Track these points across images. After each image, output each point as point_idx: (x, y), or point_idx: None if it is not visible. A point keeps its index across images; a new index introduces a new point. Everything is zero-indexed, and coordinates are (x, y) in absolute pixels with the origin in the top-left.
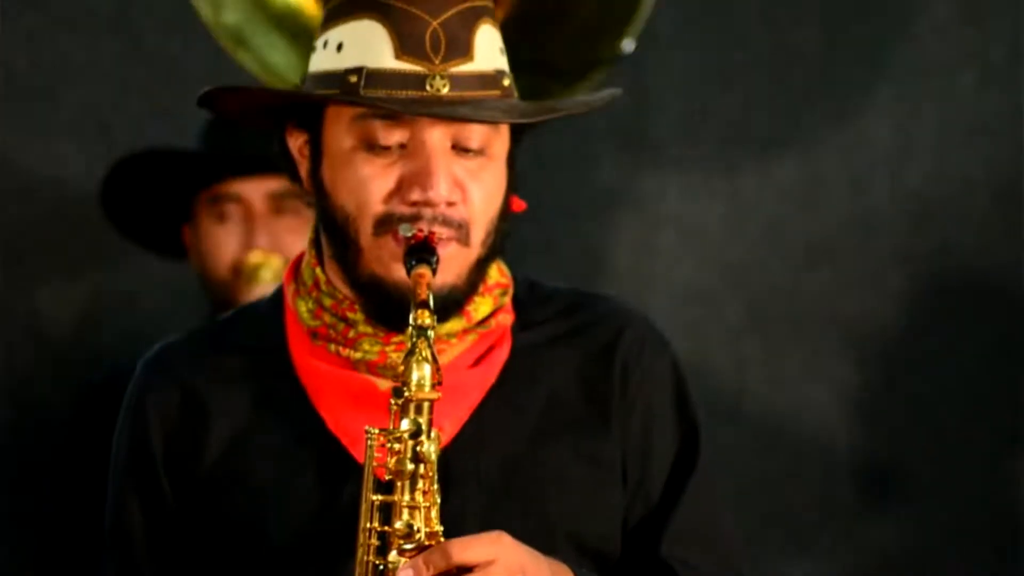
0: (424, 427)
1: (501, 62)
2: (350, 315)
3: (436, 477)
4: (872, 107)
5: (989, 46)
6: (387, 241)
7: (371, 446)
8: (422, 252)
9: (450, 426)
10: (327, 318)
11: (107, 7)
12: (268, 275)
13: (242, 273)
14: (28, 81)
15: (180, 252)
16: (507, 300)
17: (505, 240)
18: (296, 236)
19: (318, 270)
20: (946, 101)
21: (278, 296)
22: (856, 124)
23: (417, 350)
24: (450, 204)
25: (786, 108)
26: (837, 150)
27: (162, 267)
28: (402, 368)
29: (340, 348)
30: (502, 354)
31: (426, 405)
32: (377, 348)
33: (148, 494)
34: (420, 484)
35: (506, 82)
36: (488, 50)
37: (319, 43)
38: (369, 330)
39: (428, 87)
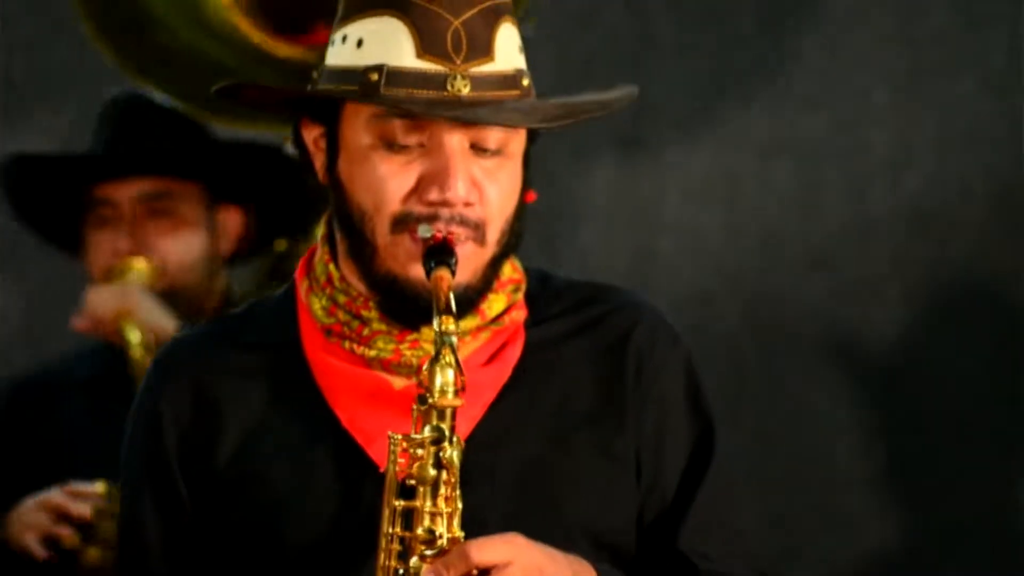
0: (447, 433)
1: (520, 61)
2: (364, 313)
3: (458, 483)
4: (870, 114)
5: (988, 53)
6: (404, 240)
7: (394, 451)
8: (441, 254)
9: (465, 424)
10: (341, 315)
11: None
12: (132, 276)
13: (111, 277)
14: (28, 86)
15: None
16: (520, 296)
17: (519, 238)
18: (168, 239)
19: (331, 266)
20: (945, 108)
21: (290, 291)
22: (855, 130)
23: (441, 356)
24: (467, 204)
25: (785, 114)
26: (836, 157)
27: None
28: (426, 374)
29: (355, 346)
30: (515, 350)
31: (449, 411)
32: (392, 346)
33: (163, 494)
34: (442, 490)
35: (525, 82)
36: (508, 49)
37: (336, 37)
38: (383, 328)
39: (449, 87)
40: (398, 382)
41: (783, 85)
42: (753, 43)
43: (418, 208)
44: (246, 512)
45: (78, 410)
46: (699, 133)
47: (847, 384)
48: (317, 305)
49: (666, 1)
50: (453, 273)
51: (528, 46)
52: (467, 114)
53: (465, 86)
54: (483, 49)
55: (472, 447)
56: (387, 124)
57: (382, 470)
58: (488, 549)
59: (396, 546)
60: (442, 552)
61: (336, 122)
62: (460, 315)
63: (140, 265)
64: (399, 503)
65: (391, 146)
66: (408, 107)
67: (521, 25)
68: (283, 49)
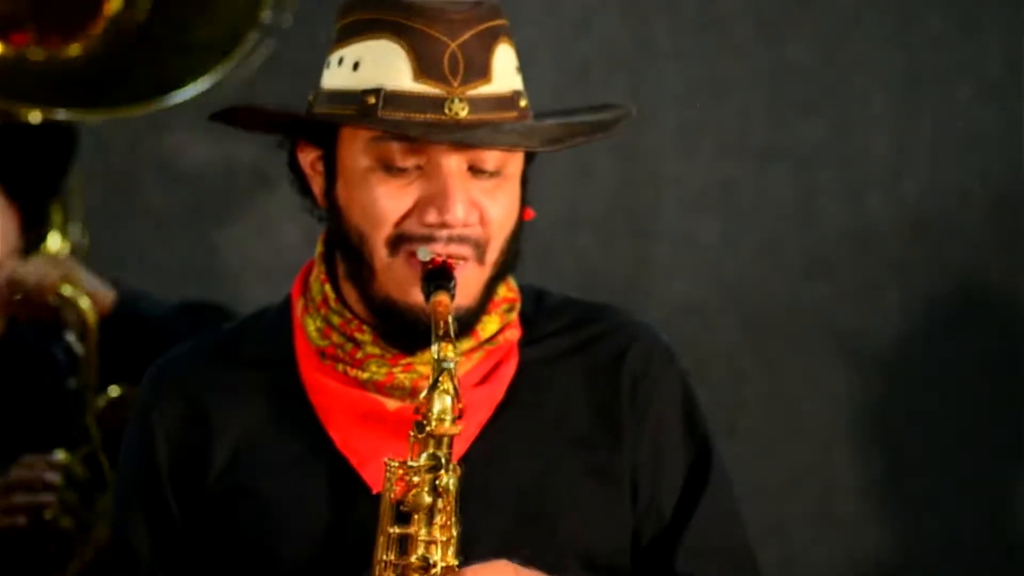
0: (444, 461)
1: (517, 82)
2: (358, 336)
3: (454, 511)
4: (868, 120)
5: (984, 59)
6: (402, 263)
7: (390, 478)
8: (440, 278)
9: (459, 444)
10: (335, 338)
11: None
12: None
13: None
14: None
15: None
16: (514, 316)
17: (516, 258)
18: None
19: (327, 287)
20: (942, 113)
21: (285, 308)
22: (852, 137)
23: (440, 383)
24: (466, 225)
25: (782, 121)
26: (833, 163)
27: None
28: (424, 401)
29: (348, 368)
30: (509, 370)
31: (446, 439)
32: (384, 370)
33: (154, 509)
34: (438, 518)
35: (523, 103)
36: (505, 71)
37: (333, 59)
38: (377, 351)
39: (447, 110)
40: (391, 404)
41: (780, 91)
42: (749, 50)
43: (415, 229)
44: (237, 528)
45: None
46: (696, 140)
47: (845, 391)
48: (312, 326)
49: (663, 7)
50: (452, 297)
51: (527, 52)
52: (465, 137)
53: (463, 108)
54: (480, 71)
55: (466, 467)
56: (385, 147)
57: (375, 492)
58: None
59: (390, 573)
60: None
61: (334, 145)
62: (457, 337)
63: None
64: (394, 529)
65: (389, 169)
66: (406, 131)
67: (264, 13)
68: None
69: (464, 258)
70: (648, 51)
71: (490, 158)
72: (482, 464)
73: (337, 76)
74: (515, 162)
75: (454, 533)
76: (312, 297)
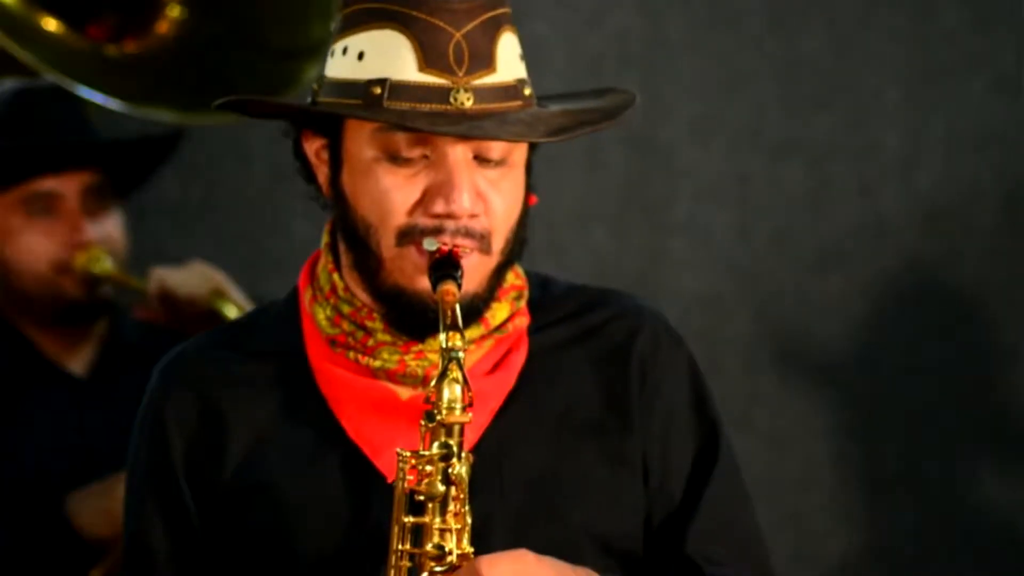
0: (455, 449)
1: (521, 70)
2: (369, 323)
3: (467, 499)
4: (881, 114)
5: (997, 53)
6: (410, 252)
7: (403, 468)
8: (447, 267)
9: (471, 433)
10: (346, 326)
11: None
12: (107, 265)
13: (70, 270)
14: None
15: None
16: (523, 303)
17: (523, 245)
18: (112, 229)
19: (335, 276)
20: (954, 108)
21: (293, 299)
22: (865, 130)
23: (448, 372)
24: (472, 216)
25: (796, 114)
26: (846, 156)
27: None
28: (433, 390)
29: (359, 356)
30: (519, 357)
31: (456, 428)
32: (396, 357)
33: (169, 505)
34: (451, 506)
35: (527, 91)
36: (510, 59)
37: (336, 48)
38: (388, 339)
39: (452, 100)
40: (404, 392)
41: (793, 85)
42: (763, 43)
43: (423, 220)
44: (253, 522)
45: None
46: (710, 133)
47: (859, 384)
48: (321, 315)
49: (676, 1)
50: (459, 286)
51: (539, 46)
52: (471, 130)
53: (468, 99)
54: (485, 61)
55: (479, 456)
56: (390, 137)
57: (389, 481)
58: (498, 565)
59: (406, 562)
60: (452, 568)
61: (339, 135)
62: (465, 325)
63: (106, 256)
64: (408, 519)
65: (395, 159)
66: (412, 122)
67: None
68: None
69: (470, 250)
70: (661, 45)
71: (495, 148)
72: (494, 452)
73: (341, 66)
74: (520, 151)
75: (468, 521)
76: (320, 287)
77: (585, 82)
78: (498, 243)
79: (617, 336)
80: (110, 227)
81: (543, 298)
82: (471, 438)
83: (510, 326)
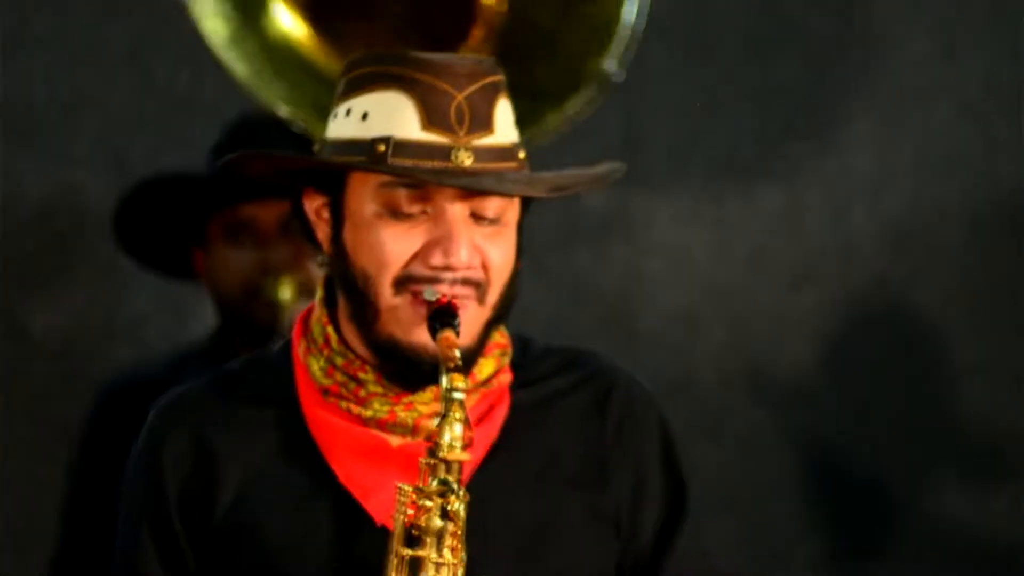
0: (454, 486)
1: (515, 135)
2: (361, 375)
3: (463, 535)
4: (852, 139)
5: (964, 81)
6: (406, 303)
7: (403, 502)
8: (446, 316)
9: (463, 495)
10: (339, 376)
11: (120, 43)
12: (288, 294)
13: (259, 295)
14: (46, 114)
15: (189, 274)
16: (507, 361)
17: (512, 304)
18: (307, 256)
19: (329, 328)
20: (923, 134)
21: (286, 349)
22: (837, 155)
23: (451, 412)
24: (469, 267)
25: (770, 139)
26: (819, 179)
27: (171, 289)
28: (435, 429)
29: (351, 406)
30: (502, 411)
31: (455, 465)
32: (387, 407)
33: (163, 540)
34: (448, 541)
35: (521, 154)
36: (506, 124)
37: (340, 111)
38: (379, 390)
39: (453, 158)
40: (394, 440)
41: (767, 111)
42: (738, 72)
43: (421, 271)
44: (244, 562)
45: None
46: (687, 157)
47: (830, 399)
48: (315, 366)
49: (656, 31)
50: (457, 335)
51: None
52: (474, 183)
53: (468, 157)
54: (484, 123)
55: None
56: (392, 193)
57: (378, 524)
58: None
59: None
60: None
61: (341, 192)
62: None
63: (291, 282)
64: (406, 552)
65: (396, 214)
66: (419, 175)
67: (606, 63)
68: None
69: (467, 299)
70: (641, 72)
71: (491, 206)
72: (477, 501)
73: (345, 127)
74: (513, 211)
75: (463, 557)
76: (314, 339)
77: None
78: (493, 296)
79: (595, 394)
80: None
81: (524, 358)
82: None
83: (495, 381)
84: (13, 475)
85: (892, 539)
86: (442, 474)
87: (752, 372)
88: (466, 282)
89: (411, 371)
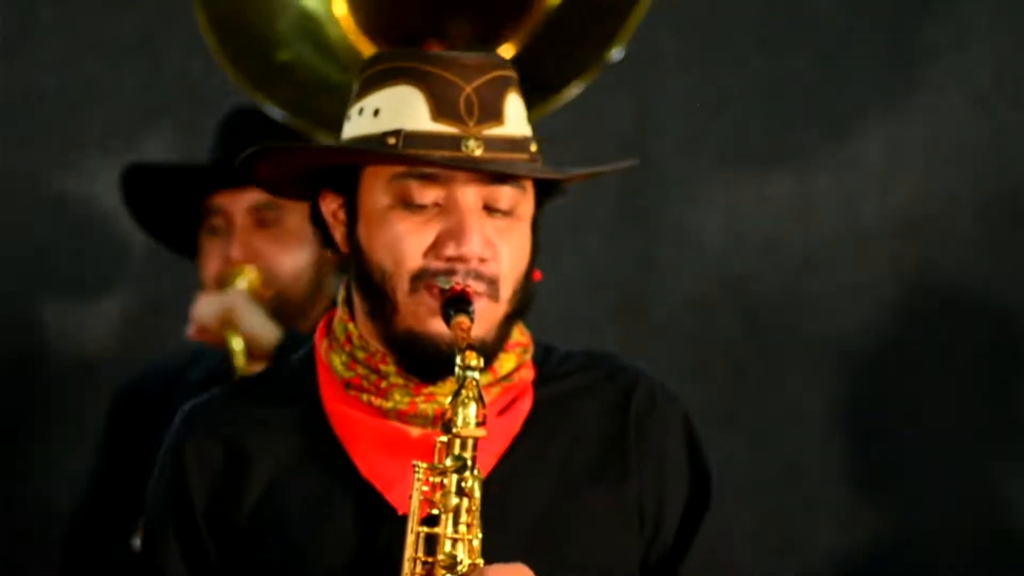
0: (469, 463)
1: (527, 129)
2: (382, 367)
3: (478, 511)
4: (863, 127)
5: (974, 69)
6: (423, 296)
7: (419, 479)
8: (460, 303)
9: (478, 473)
10: (360, 370)
11: (131, 33)
12: (242, 283)
13: (222, 284)
14: (57, 102)
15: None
16: (528, 357)
17: (530, 301)
18: (278, 247)
19: (351, 325)
20: (933, 122)
21: (310, 351)
22: (847, 143)
23: (464, 390)
24: (482, 260)
25: (781, 128)
26: (829, 168)
27: (186, 278)
28: (449, 406)
29: (372, 398)
30: (525, 405)
31: (470, 442)
32: (407, 399)
33: (188, 541)
34: (463, 517)
35: (533, 147)
36: (517, 117)
37: (353, 112)
38: (400, 381)
39: (463, 148)
40: (415, 431)
41: (779, 99)
42: (750, 60)
43: (436, 264)
44: (268, 560)
45: None
46: (699, 145)
47: (841, 385)
48: (337, 361)
49: (668, 22)
50: (471, 321)
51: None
52: (485, 165)
53: (478, 147)
54: (494, 114)
55: (484, 495)
56: (405, 184)
57: (400, 514)
58: (503, 574)
59: (419, 569)
60: None
61: (355, 190)
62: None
63: (250, 273)
64: (422, 529)
65: (409, 206)
66: (432, 160)
67: (613, 52)
68: None
69: (481, 294)
70: (653, 61)
71: (504, 197)
72: (500, 493)
73: (358, 125)
74: (526, 204)
75: (479, 534)
76: (336, 337)
77: (580, 98)
78: (506, 291)
79: (616, 392)
80: (270, 246)
81: (546, 358)
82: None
83: (516, 376)
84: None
85: (908, 523)
86: (457, 450)
87: (764, 359)
88: (479, 277)
89: (429, 362)
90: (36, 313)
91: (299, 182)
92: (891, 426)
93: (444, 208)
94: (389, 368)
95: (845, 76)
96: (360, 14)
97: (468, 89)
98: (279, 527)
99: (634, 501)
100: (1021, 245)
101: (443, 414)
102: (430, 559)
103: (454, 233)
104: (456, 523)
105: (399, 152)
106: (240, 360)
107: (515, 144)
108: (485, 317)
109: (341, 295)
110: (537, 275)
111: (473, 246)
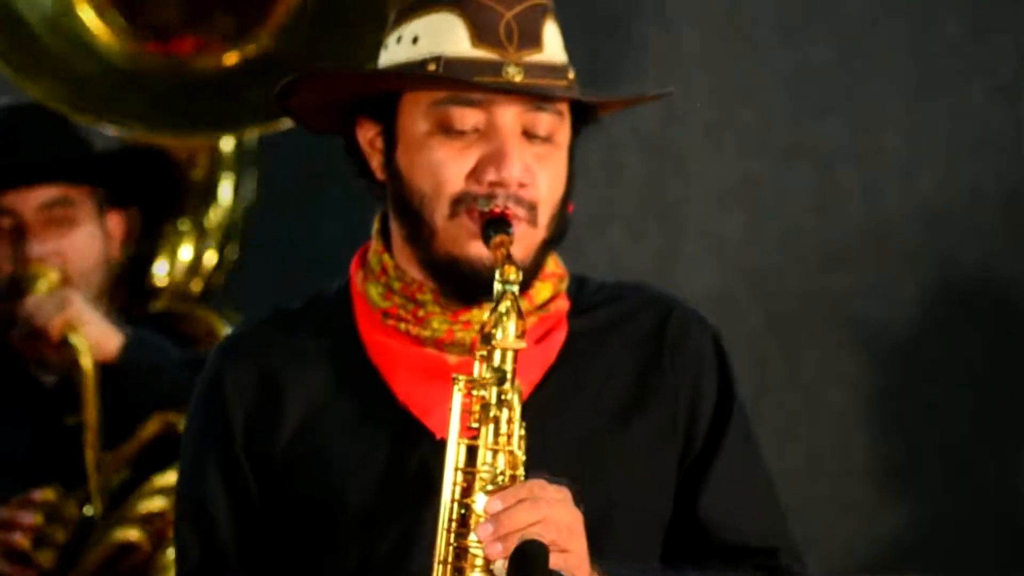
0: (508, 375)
1: (565, 56)
2: (419, 296)
3: (518, 423)
4: (885, 120)
5: (997, 61)
6: (462, 220)
7: (459, 391)
8: (500, 224)
9: (518, 384)
10: (397, 299)
11: None
12: (43, 286)
13: (18, 290)
14: None
15: None
16: (564, 287)
17: (566, 227)
18: (69, 244)
19: (386, 256)
20: (955, 114)
21: (344, 284)
22: (870, 136)
23: (504, 302)
24: (521, 185)
25: (803, 121)
26: (852, 161)
27: None
28: (489, 319)
29: (410, 327)
30: (560, 335)
31: (510, 354)
32: (445, 326)
33: (229, 472)
34: (504, 428)
35: (571, 75)
36: (555, 44)
37: (391, 39)
38: (437, 310)
39: (503, 73)
40: (452, 358)
41: (801, 92)
42: (772, 53)
43: (476, 188)
44: (308, 486)
45: None
46: (721, 138)
47: (862, 378)
48: (374, 291)
49: (690, 12)
50: (511, 242)
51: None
52: (527, 89)
53: (518, 73)
54: (533, 40)
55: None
56: (445, 110)
57: (439, 438)
58: (548, 488)
59: (461, 481)
60: (503, 488)
61: (393, 117)
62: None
63: (51, 274)
64: (463, 440)
65: (448, 131)
66: (470, 84)
67: None
68: (145, 60)
69: (520, 219)
70: (676, 53)
71: (543, 123)
72: (534, 422)
73: (396, 53)
74: (564, 131)
75: (519, 447)
76: (371, 268)
77: (602, 88)
78: (544, 216)
79: (650, 320)
80: (66, 243)
81: (580, 290)
82: None
83: (552, 306)
84: None
85: (929, 518)
86: (497, 362)
87: (786, 353)
88: (519, 201)
89: (469, 285)
90: None
91: (333, 112)
92: (913, 420)
93: (484, 134)
94: (426, 297)
95: (866, 68)
96: None
97: (508, 15)
98: (318, 455)
99: (670, 425)
100: None
101: (482, 327)
102: (472, 469)
103: (494, 158)
104: (496, 434)
105: (440, 77)
106: (87, 360)
107: (554, 70)
108: (523, 242)
109: (376, 227)
110: (570, 207)
111: (513, 170)
